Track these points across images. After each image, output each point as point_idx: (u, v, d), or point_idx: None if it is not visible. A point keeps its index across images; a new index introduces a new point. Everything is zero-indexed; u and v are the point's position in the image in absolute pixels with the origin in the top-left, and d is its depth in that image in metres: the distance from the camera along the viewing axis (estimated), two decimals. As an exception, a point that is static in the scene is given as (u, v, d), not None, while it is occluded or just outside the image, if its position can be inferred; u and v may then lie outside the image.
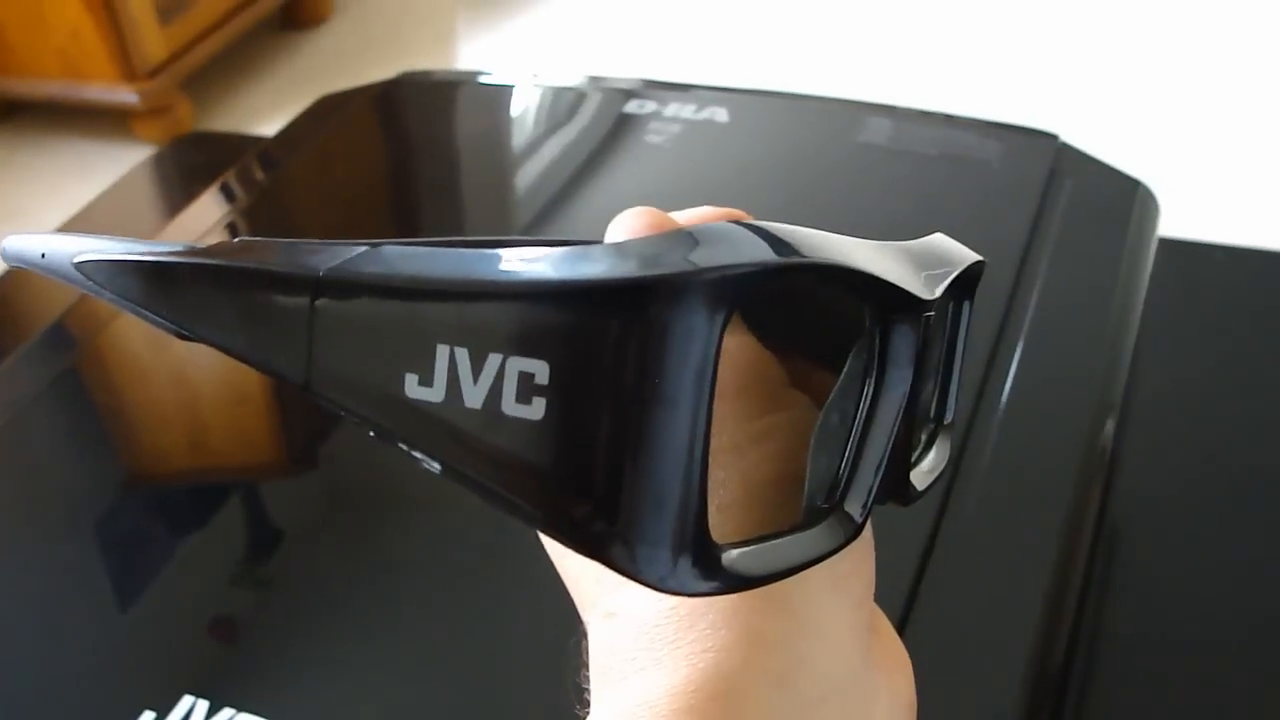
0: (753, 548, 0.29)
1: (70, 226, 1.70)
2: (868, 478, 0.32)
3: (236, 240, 0.32)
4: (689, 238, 0.26)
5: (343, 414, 0.29)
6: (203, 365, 0.94)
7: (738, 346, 0.35)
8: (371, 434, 0.29)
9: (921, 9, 2.42)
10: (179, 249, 0.33)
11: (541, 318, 0.26)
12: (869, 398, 0.32)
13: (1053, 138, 1.08)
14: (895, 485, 0.33)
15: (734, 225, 0.27)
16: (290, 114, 1.37)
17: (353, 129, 1.26)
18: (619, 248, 0.26)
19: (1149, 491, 1.12)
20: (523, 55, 2.44)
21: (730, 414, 0.34)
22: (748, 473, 0.33)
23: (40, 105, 2.30)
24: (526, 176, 1.14)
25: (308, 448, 0.87)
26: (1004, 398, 0.81)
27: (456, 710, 0.66)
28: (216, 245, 0.32)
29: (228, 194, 1.14)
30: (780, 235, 0.27)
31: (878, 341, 0.32)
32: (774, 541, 0.30)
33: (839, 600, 0.33)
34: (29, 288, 1.41)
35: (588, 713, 0.33)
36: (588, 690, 0.34)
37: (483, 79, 1.30)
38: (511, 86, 1.27)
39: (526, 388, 0.26)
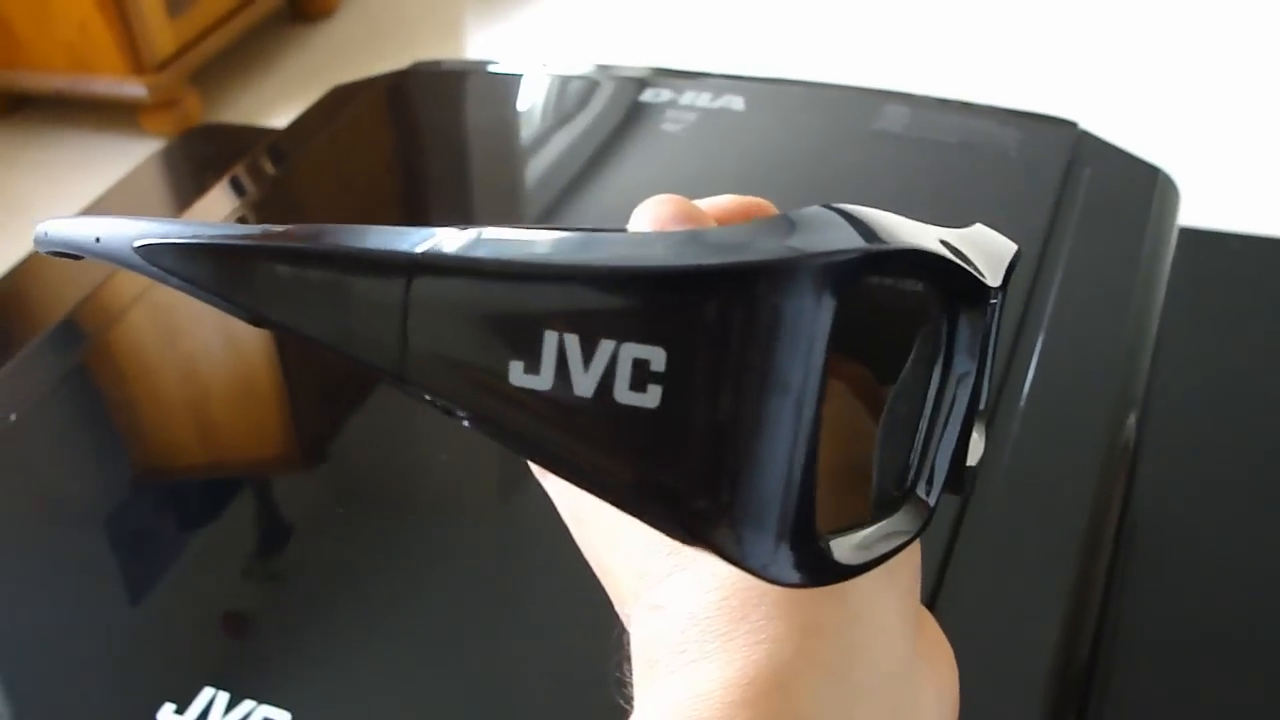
0: (851, 536, 0.28)
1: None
2: (941, 464, 0.31)
3: (319, 224, 0.31)
4: (795, 223, 0.26)
5: (436, 403, 0.28)
6: (214, 359, 0.94)
7: None
8: (465, 422, 0.28)
9: (933, -2, 2.42)
10: (254, 232, 0.32)
11: (659, 304, 0.25)
12: (937, 385, 0.31)
13: (1072, 125, 1.07)
14: (955, 471, 0.32)
15: (829, 211, 0.26)
16: (299, 106, 1.37)
17: (364, 120, 1.26)
18: (728, 233, 0.26)
19: (1170, 484, 1.11)
20: (532, 44, 2.44)
21: None
22: None
23: (48, 99, 2.30)
24: (542, 167, 1.13)
25: (321, 440, 0.87)
26: (1025, 389, 0.80)
27: (475, 701, 0.66)
28: (296, 228, 0.31)
29: (239, 187, 1.14)
30: (871, 221, 0.27)
31: (945, 329, 0.31)
32: (866, 530, 0.29)
33: (889, 590, 0.33)
34: (39, 283, 1.40)
35: (630, 705, 0.33)
36: (629, 683, 0.34)
37: (495, 69, 1.29)
38: (524, 76, 1.26)
39: (641, 375, 0.25)
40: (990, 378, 0.37)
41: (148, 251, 0.33)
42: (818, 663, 0.31)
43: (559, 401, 0.26)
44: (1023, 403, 0.79)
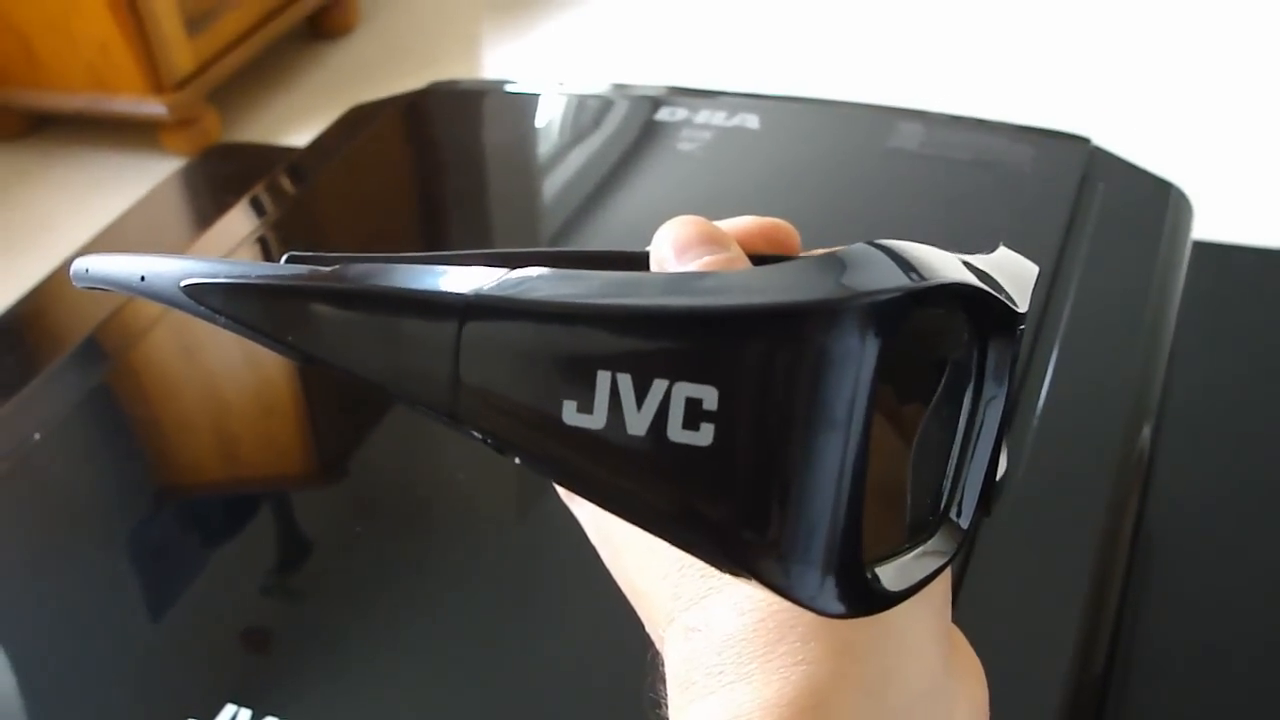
0: (891, 564, 0.29)
1: (102, 238, 1.71)
2: (974, 486, 0.32)
3: (361, 264, 0.32)
4: (841, 263, 0.26)
5: (488, 442, 0.28)
6: (235, 378, 0.95)
7: None
8: (517, 460, 0.28)
9: (952, 13, 2.42)
10: (302, 271, 0.32)
11: (711, 343, 0.26)
12: (969, 410, 0.32)
13: (1085, 141, 1.08)
14: (986, 493, 0.33)
15: (872, 249, 0.27)
16: (317, 124, 1.37)
17: (383, 139, 1.26)
18: (776, 272, 0.26)
19: (1185, 496, 1.11)
20: (548, 62, 2.45)
21: None
22: None
23: (69, 118, 2.32)
24: (559, 185, 1.14)
25: (341, 458, 0.88)
26: (1040, 404, 0.80)
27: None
28: (343, 267, 0.31)
29: (259, 206, 1.15)
30: (909, 257, 0.27)
31: (976, 355, 0.32)
32: (904, 559, 0.30)
33: (922, 609, 0.33)
34: (62, 302, 1.41)
35: None
36: (663, 704, 0.34)
37: (512, 88, 1.30)
38: (541, 95, 1.27)
39: (694, 413, 0.25)
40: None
41: (195, 290, 0.33)
42: (854, 683, 0.31)
43: (612, 440, 0.26)
44: (1038, 416, 0.79)
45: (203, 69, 2.20)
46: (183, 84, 2.16)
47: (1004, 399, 0.32)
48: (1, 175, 2.23)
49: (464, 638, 0.70)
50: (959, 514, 0.32)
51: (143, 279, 0.35)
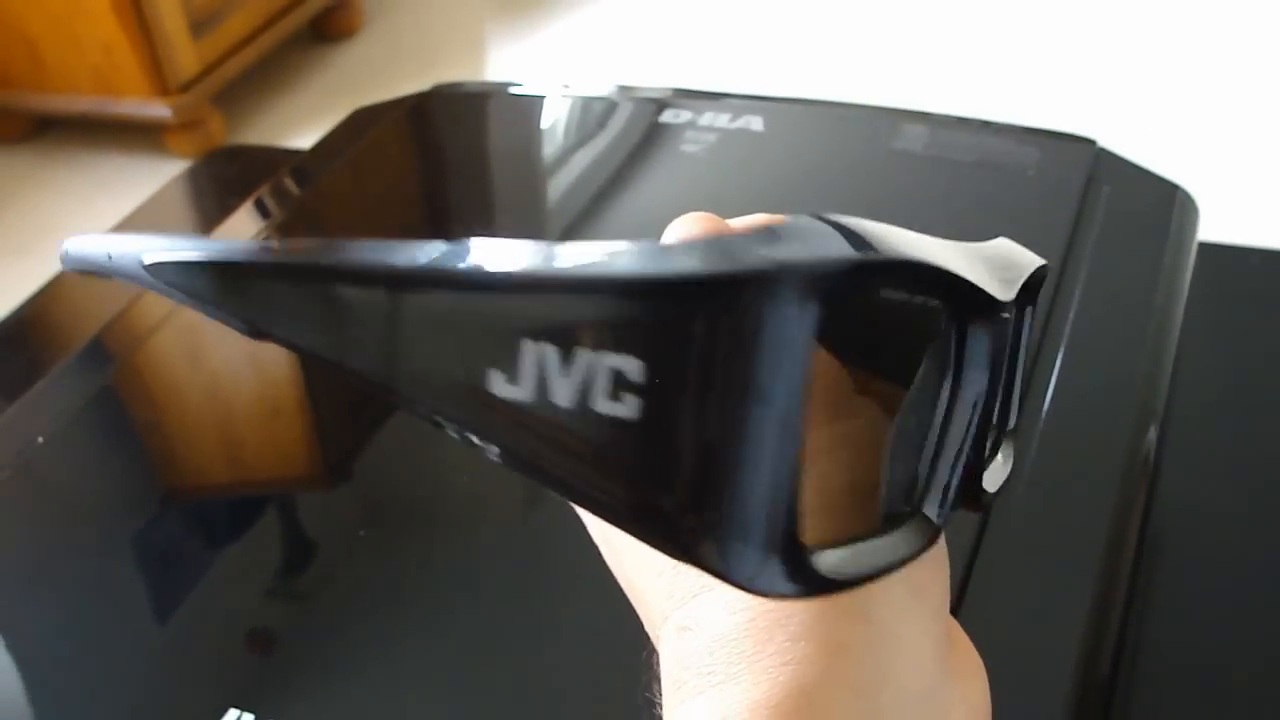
0: (840, 550, 0.28)
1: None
2: (948, 480, 0.31)
3: (313, 239, 0.32)
4: (777, 233, 0.25)
5: (423, 413, 0.29)
6: (241, 380, 0.95)
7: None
8: (454, 434, 0.28)
9: (956, 15, 2.42)
10: (253, 247, 0.33)
11: (635, 313, 0.25)
12: (947, 400, 0.31)
13: (1090, 143, 1.07)
14: (969, 490, 0.33)
15: (820, 221, 0.26)
16: (321, 126, 1.37)
17: (387, 141, 1.26)
18: (708, 242, 0.26)
19: (1191, 499, 1.11)
20: (553, 65, 2.45)
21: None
22: (821, 480, 0.33)
23: (74, 120, 2.32)
24: (564, 187, 1.14)
25: (347, 459, 0.88)
26: (1045, 406, 0.80)
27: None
28: (293, 243, 0.32)
29: (264, 208, 1.15)
30: (864, 232, 0.27)
31: (954, 343, 0.31)
32: (859, 545, 0.29)
33: (917, 609, 0.33)
34: (67, 304, 1.41)
35: None
36: (658, 705, 0.34)
37: (516, 90, 1.30)
38: (545, 98, 1.27)
39: (619, 384, 0.25)
40: (1015, 395, 0.37)
41: (154, 268, 0.34)
42: (845, 683, 0.31)
43: (540, 412, 0.26)
44: (1044, 418, 0.79)
45: (207, 71, 2.21)
46: (187, 86, 2.16)
47: (984, 389, 0.31)
48: (6, 178, 2.23)
49: (470, 641, 0.70)
50: (938, 509, 0.31)
51: (110, 257, 0.36)
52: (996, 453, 0.36)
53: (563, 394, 0.26)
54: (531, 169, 1.20)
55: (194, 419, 0.94)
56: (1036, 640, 0.67)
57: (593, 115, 1.23)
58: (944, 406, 0.32)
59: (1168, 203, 1.02)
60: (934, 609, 0.34)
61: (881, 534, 0.30)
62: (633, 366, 0.25)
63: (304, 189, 1.19)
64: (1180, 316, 0.92)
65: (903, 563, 0.30)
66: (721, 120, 1.13)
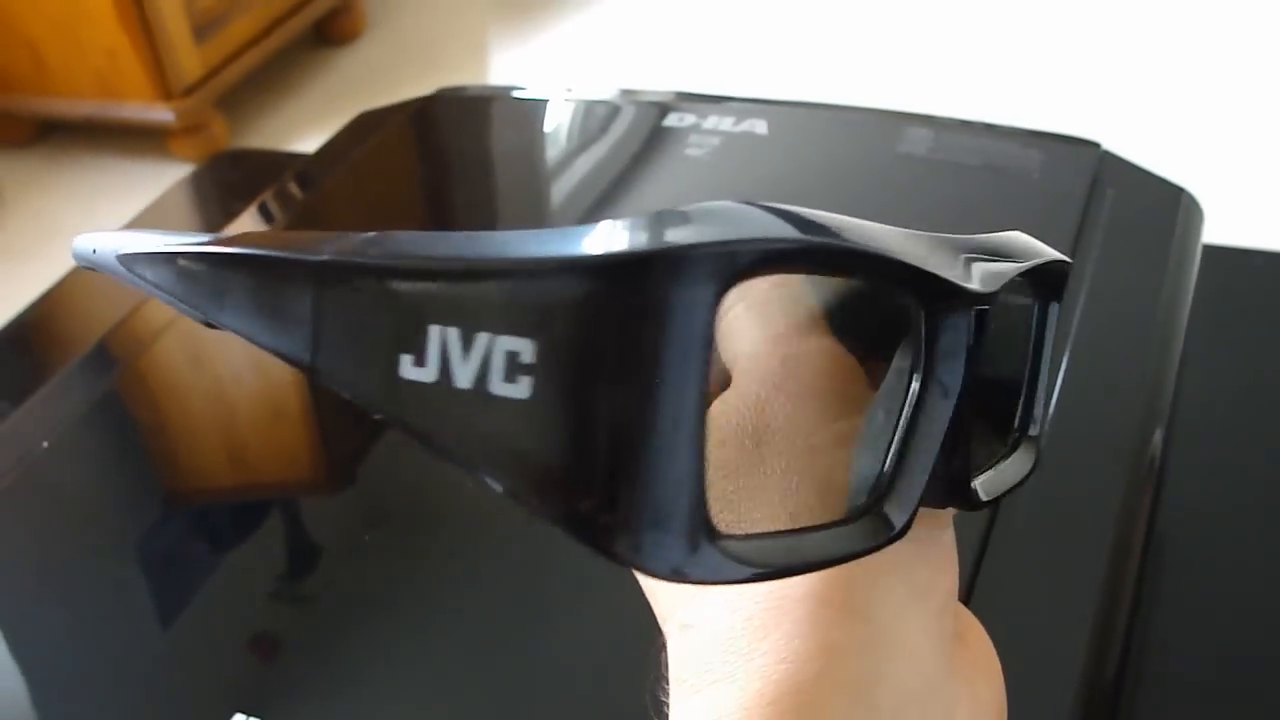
0: (774, 540, 0.28)
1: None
2: (912, 479, 0.31)
3: (260, 230, 0.33)
4: (688, 215, 0.25)
5: (347, 397, 0.30)
6: (243, 384, 0.94)
7: (819, 349, 0.35)
8: (376, 416, 0.29)
9: (960, 18, 2.42)
10: (205, 239, 0.33)
11: (523, 294, 0.25)
12: (914, 395, 0.31)
13: (1095, 146, 1.07)
14: (954, 489, 0.32)
15: (738, 204, 0.26)
16: (325, 130, 1.38)
17: (391, 146, 1.26)
18: (606, 225, 0.26)
19: (1196, 502, 1.11)
20: (556, 68, 2.45)
21: (810, 416, 0.33)
22: (823, 476, 0.33)
23: (77, 125, 2.32)
24: (567, 191, 1.14)
25: (352, 463, 0.87)
26: (1051, 409, 0.80)
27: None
28: (239, 235, 0.33)
29: (267, 212, 1.15)
30: (795, 216, 0.26)
31: (924, 335, 0.31)
32: (805, 535, 0.29)
33: (917, 609, 0.33)
34: (71, 308, 1.41)
35: None
36: (666, 703, 0.34)
37: (519, 94, 1.30)
38: (548, 101, 1.27)
39: (513, 366, 0.25)
40: (1037, 397, 0.37)
41: (126, 261, 0.35)
42: (840, 683, 0.31)
43: (443, 394, 0.27)
44: (1048, 421, 0.79)
45: (210, 75, 2.21)
46: (190, 90, 2.17)
47: (959, 385, 0.31)
48: (10, 182, 2.23)
49: (475, 646, 0.70)
50: (898, 505, 0.31)
51: (94, 252, 0.37)
52: (1010, 456, 0.36)
53: (463, 376, 0.26)
54: (535, 173, 1.20)
55: (198, 424, 0.94)
56: (1043, 643, 0.67)
57: (596, 119, 1.23)
58: (911, 402, 0.31)
59: (1172, 205, 1.02)
60: (938, 609, 0.33)
61: (837, 525, 0.30)
62: (524, 347, 0.25)
63: (308, 193, 1.19)
64: (1185, 319, 0.92)
65: (844, 559, 0.30)
66: (725, 124, 1.13)
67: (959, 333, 0.31)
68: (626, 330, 0.24)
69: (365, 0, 2.68)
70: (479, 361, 0.26)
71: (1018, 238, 0.36)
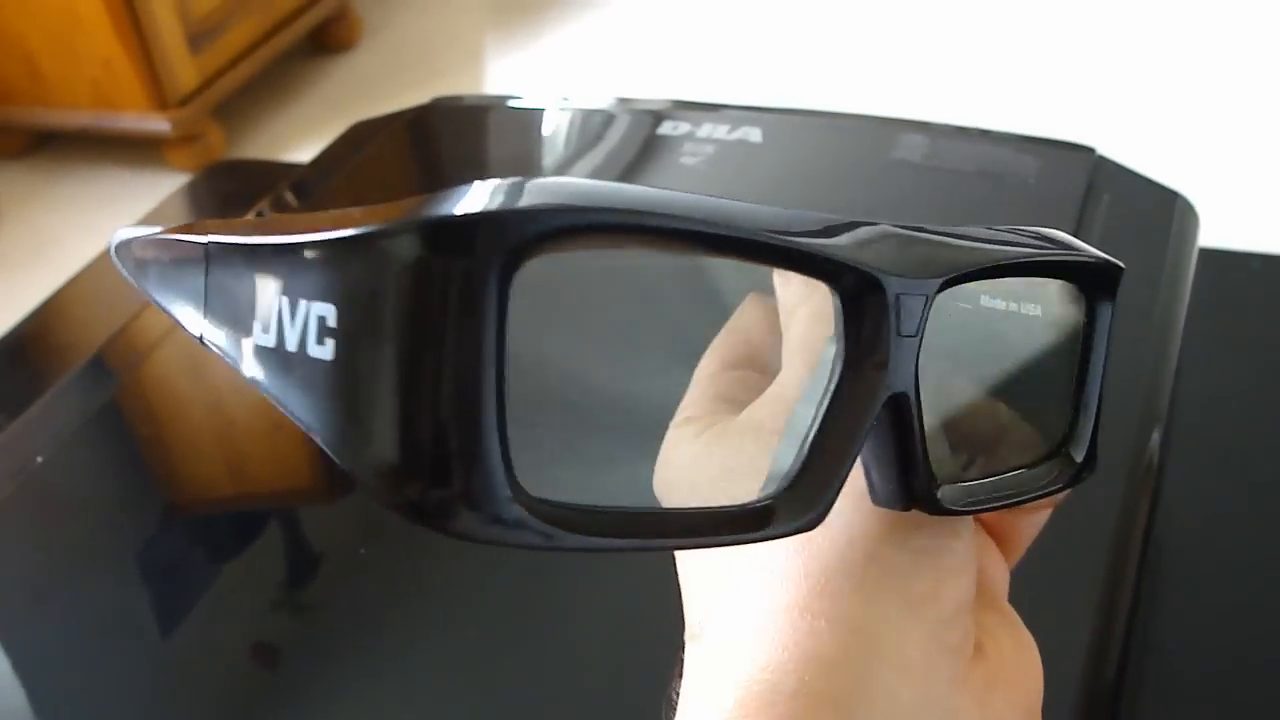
0: (607, 513, 0.28)
1: (106, 256, 1.71)
2: (821, 473, 0.30)
3: (200, 221, 0.35)
4: (500, 189, 0.26)
5: (229, 365, 0.32)
6: (242, 394, 0.94)
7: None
8: (249, 383, 0.31)
9: (954, 24, 2.42)
10: (163, 228, 0.36)
11: (325, 263, 0.27)
12: (833, 384, 0.31)
13: (1090, 151, 1.07)
14: (908, 490, 0.32)
15: (579, 182, 0.27)
16: (321, 139, 1.38)
17: (386, 155, 1.26)
18: (410, 200, 0.27)
19: (1194, 505, 1.11)
20: (551, 77, 2.45)
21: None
22: (745, 461, 0.33)
23: (73, 135, 2.32)
24: (562, 201, 1.13)
25: (348, 474, 0.87)
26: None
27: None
28: (184, 225, 0.35)
29: (263, 222, 1.14)
30: (617, 191, 0.27)
31: (842, 321, 0.30)
32: (674, 514, 0.30)
33: (913, 621, 0.32)
34: (67, 320, 1.41)
35: None
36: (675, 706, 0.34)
37: (515, 103, 1.30)
38: (544, 110, 1.27)
39: (322, 329, 0.27)
40: (1085, 411, 0.36)
41: (118, 253, 0.38)
42: (822, 695, 0.30)
43: (282, 358, 0.29)
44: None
45: (206, 85, 2.21)
46: (186, 100, 2.17)
47: (889, 376, 0.30)
48: (5, 193, 2.23)
49: (473, 657, 0.70)
50: (801, 506, 0.30)
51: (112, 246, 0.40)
52: (1037, 464, 0.36)
53: (292, 340, 0.28)
54: (531, 181, 1.20)
55: (196, 436, 0.94)
56: (1042, 646, 0.67)
57: (591, 127, 1.23)
58: (831, 391, 0.31)
59: (1167, 209, 1.02)
60: (940, 620, 0.33)
61: (750, 506, 0.30)
62: (329, 312, 0.27)
63: (303, 203, 1.19)
64: (1182, 322, 0.92)
65: (702, 542, 0.30)
66: (720, 132, 1.13)
67: (878, 320, 0.30)
68: (407, 298, 0.25)
69: (361, 9, 2.68)
70: (301, 325, 0.28)
71: (1055, 235, 0.36)
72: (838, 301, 0.30)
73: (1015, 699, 0.35)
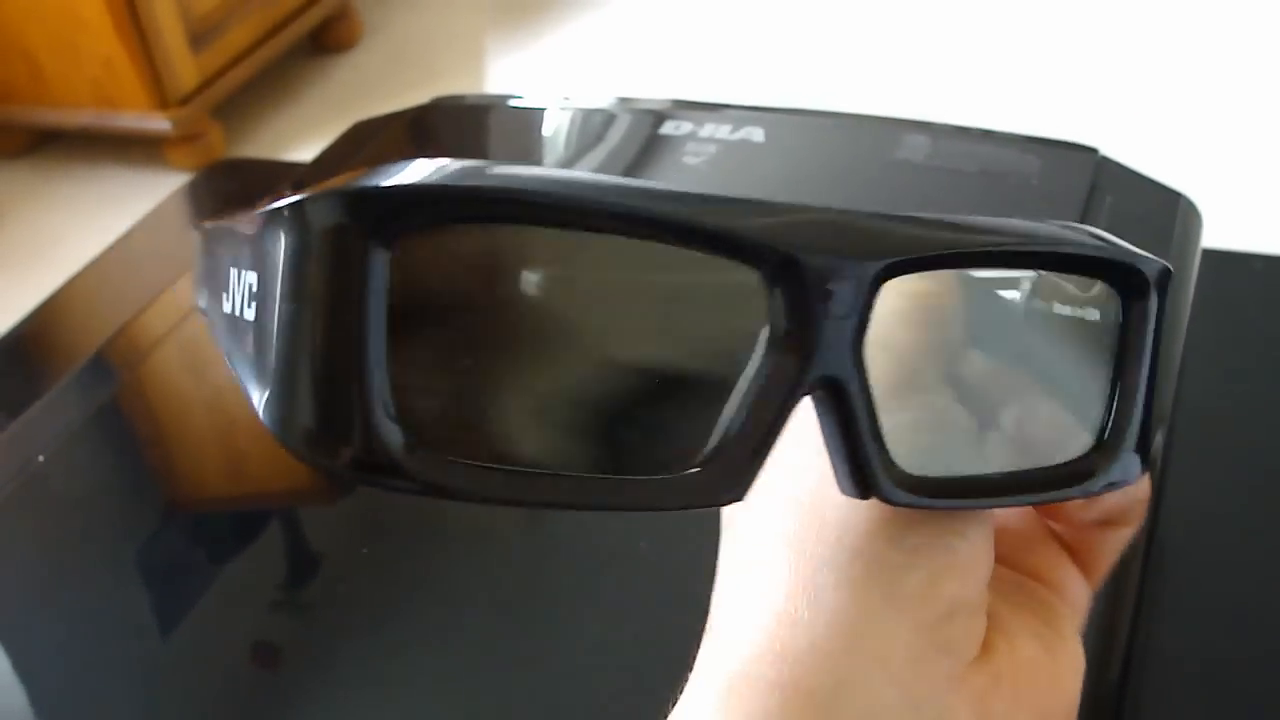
0: (519, 475, 0.29)
1: (107, 255, 1.71)
2: (741, 453, 0.30)
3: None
4: (395, 167, 0.30)
5: (212, 337, 0.35)
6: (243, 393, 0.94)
7: None
8: (220, 353, 0.35)
9: (956, 24, 2.42)
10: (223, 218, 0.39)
11: (253, 236, 0.31)
12: (753, 369, 0.30)
13: (1092, 151, 1.07)
14: (855, 481, 0.32)
15: (468, 162, 0.31)
16: (321, 138, 1.37)
17: (387, 154, 1.26)
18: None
19: (1197, 506, 1.11)
20: (552, 76, 2.45)
21: None
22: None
23: (73, 134, 2.32)
24: (564, 200, 1.13)
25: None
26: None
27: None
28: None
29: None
30: (497, 171, 0.31)
31: (766, 299, 0.30)
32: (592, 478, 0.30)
33: (896, 620, 0.32)
34: (68, 320, 1.41)
35: None
36: None
37: (516, 102, 1.30)
38: (545, 109, 1.26)
39: (249, 294, 0.31)
40: (1137, 404, 0.37)
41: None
42: (798, 692, 0.31)
43: (233, 321, 0.32)
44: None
45: (207, 84, 2.21)
46: (187, 100, 2.17)
47: (822, 359, 0.30)
48: (5, 192, 2.23)
49: (474, 658, 0.70)
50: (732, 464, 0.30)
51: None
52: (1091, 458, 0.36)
53: (236, 304, 0.32)
54: (533, 181, 1.19)
55: (197, 435, 0.93)
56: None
57: (592, 127, 1.23)
58: (752, 377, 0.30)
59: (1171, 210, 1.02)
60: (933, 618, 0.33)
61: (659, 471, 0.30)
62: (253, 279, 0.30)
63: (305, 202, 1.18)
64: (1185, 323, 0.92)
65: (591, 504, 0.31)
66: (722, 132, 1.13)
67: (799, 301, 0.30)
68: (290, 266, 0.28)
69: (361, 9, 2.68)
70: (242, 291, 0.31)
71: (1099, 234, 0.36)
72: (758, 281, 0.30)
73: (1024, 704, 0.35)
